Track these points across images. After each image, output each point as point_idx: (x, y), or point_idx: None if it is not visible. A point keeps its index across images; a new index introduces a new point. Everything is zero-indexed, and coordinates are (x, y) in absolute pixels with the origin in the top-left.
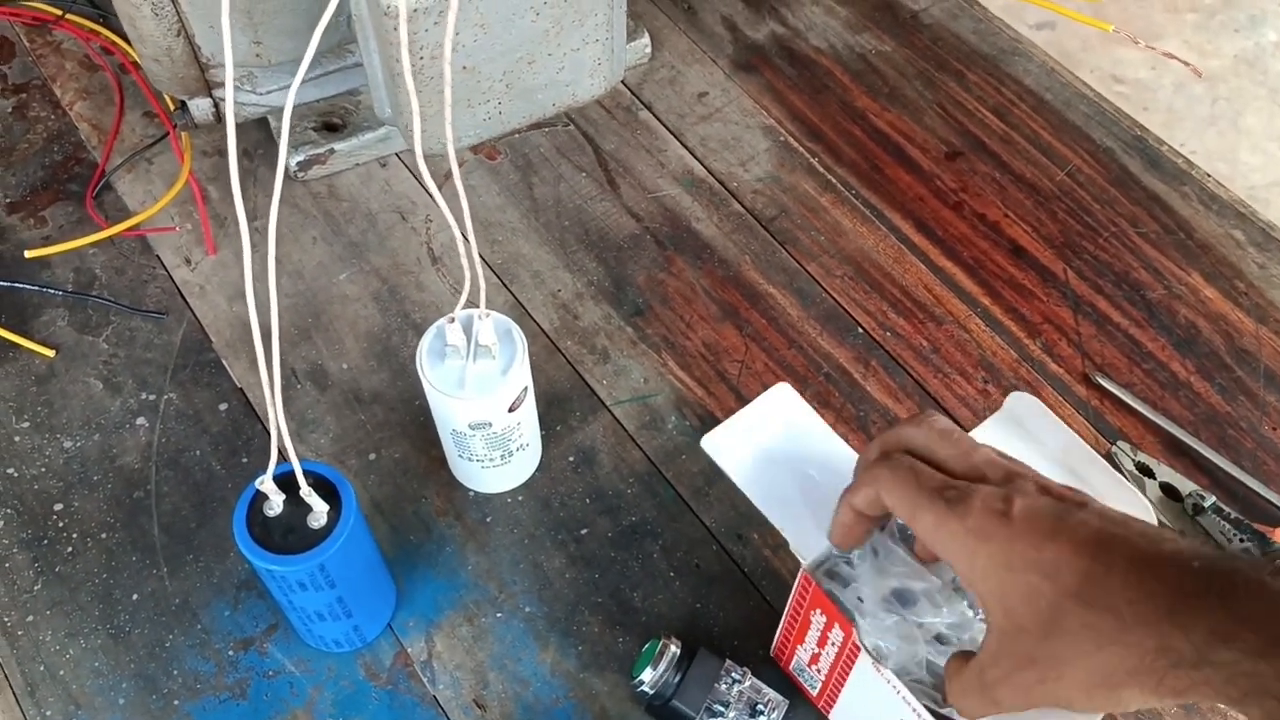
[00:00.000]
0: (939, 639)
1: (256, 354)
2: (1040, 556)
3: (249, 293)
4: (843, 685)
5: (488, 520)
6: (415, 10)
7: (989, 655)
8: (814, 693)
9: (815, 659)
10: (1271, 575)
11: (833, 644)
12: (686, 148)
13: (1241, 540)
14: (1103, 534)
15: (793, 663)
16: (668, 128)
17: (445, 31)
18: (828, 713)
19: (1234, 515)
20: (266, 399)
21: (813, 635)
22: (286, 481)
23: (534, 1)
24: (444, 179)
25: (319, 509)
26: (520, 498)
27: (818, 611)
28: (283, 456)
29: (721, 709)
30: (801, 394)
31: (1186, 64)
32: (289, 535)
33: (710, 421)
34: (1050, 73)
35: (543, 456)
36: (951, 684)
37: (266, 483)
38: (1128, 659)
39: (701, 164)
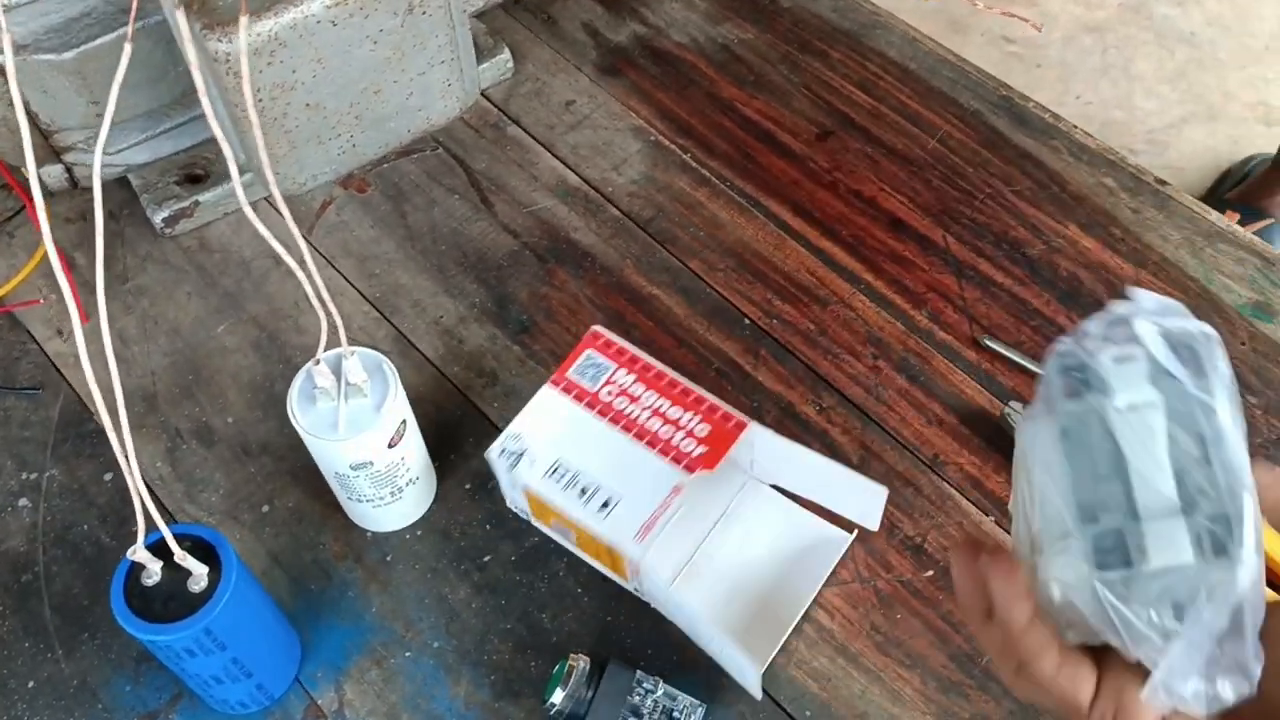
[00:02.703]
0: None
1: (106, 428)
2: None
3: (86, 368)
4: None
5: (388, 559)
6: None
7: None
8: None
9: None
10: None
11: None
12: (558, 158)
13: None
14: None
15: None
16: (538, 140)
17: (243, 79)
18: None
19: None
20: (123, 466)
21: None
22: (165, 548)
23: (370, 30)
24: (316, 215)
25: (198, 572)
26: (419, 532)
27: None
28: (152, 524)
29: None
30: None
31: (1025, 20)
32: (170, 603)
33: None
34: (912, 42)
35: (438, 487)
36: None
37: (139, 552)
38: None
39: (574, 173)
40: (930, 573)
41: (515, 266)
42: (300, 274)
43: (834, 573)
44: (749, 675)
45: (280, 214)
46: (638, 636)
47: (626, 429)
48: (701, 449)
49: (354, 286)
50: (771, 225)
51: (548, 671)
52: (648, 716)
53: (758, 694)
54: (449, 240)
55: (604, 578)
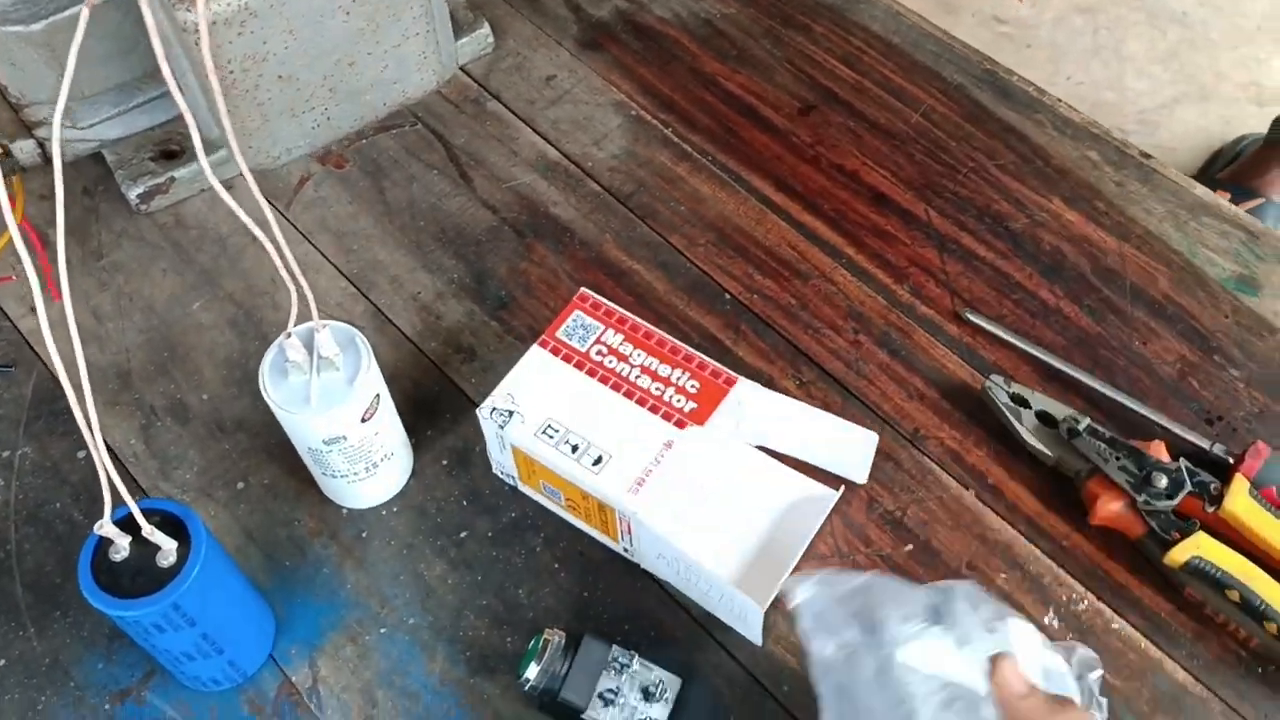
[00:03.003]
0: None
1: (70, 401)
2: None
3: (49, 343)
4: None
5: (363, 536)
6: (214, 23)
7: None
8: None
9: None
10: None
11: None
12: (538, 133)
13: (1118, 459)
14: None
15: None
16: (518, 115)
17: (203, 45)
18: None
19: (1109, 435)
20: (86, 438)
21: None
22: (134, 523)
23: (342, 1)
24: (294, 191)
25: (166, 546)
26: (395, 508)
27: None
28: (120, 498)
29: (613, 695)
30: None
31: None
32: (138, 578)
33: None
34: (895, 16)
35: (415, 463)
36: None
37: (106, 527)
38: None
39: (555, 148)
40: (910, 547)
41: (494, 242)
42: (268, 245)
43: (813, 546)
44: (751, 616)
45: (262, 193)
46: (614, 611)
47: (616, 388)
48: (692, 405)
49: (331, 262)
50: (753, 200)
51: (524, 647)
52: (623, 691)
53: (758, 638)
54: (427, 216)
55: (581, 553)
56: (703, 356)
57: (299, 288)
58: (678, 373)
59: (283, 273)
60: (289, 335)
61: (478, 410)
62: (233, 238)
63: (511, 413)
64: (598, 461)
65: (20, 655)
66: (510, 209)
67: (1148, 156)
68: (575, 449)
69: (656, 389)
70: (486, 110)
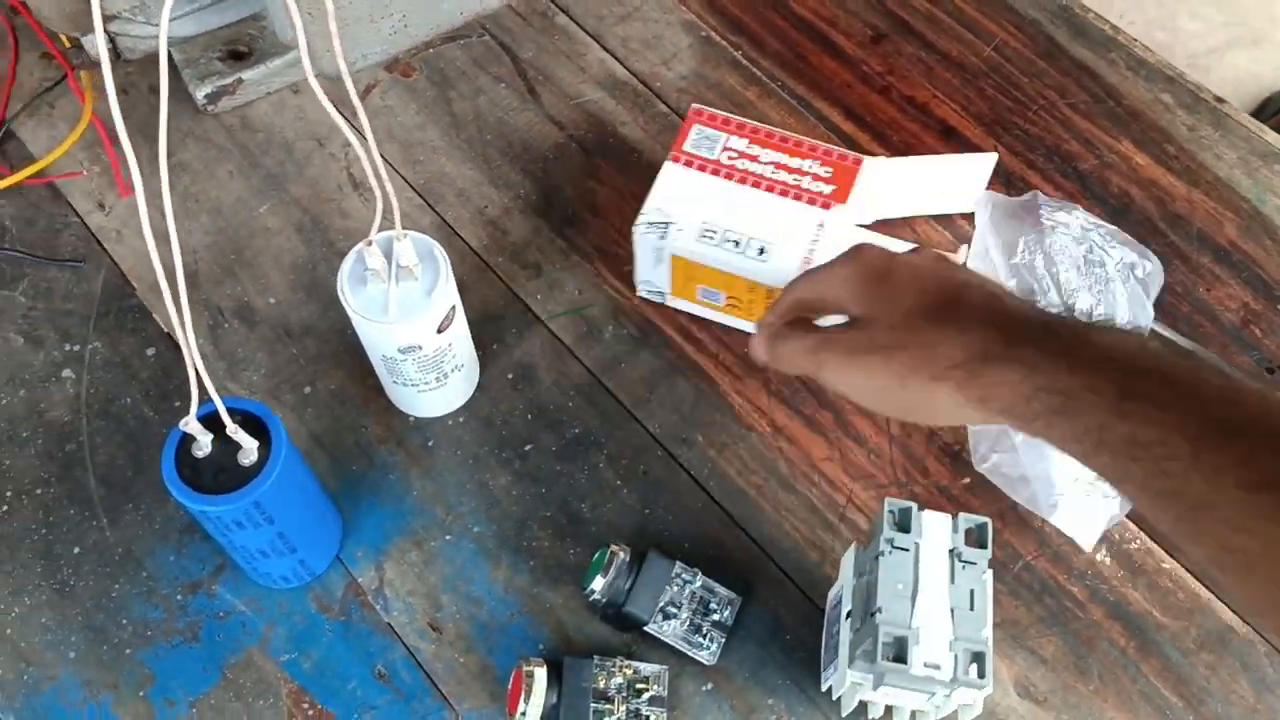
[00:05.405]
0: None
1: (165, 296)
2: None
3: (148, 233)
4: None
5: (430, 444)
6: None
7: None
8: None
9: None
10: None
11: None
12: (607, 50)
13: None
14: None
15: None
16: (586, 31)
17: None
18: None
19: None
20: (180, 338)
21: None
22: (215, 421)
23: None
24: (360, 98)
25: (248, 446)
26: (461, 419)
27: None
28: (205, 395)
29: (674, 610)
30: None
31: None
32: (220, 475)
33: (649, 329)
34: None
35: (481, 376)
36: (787, 341)
37: (191, 424)
38: (954, 354)
39: (623, 65)
40: (967, 480)
41: (561, 159)
42: (359, 149)
43: (871, 475)
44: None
45: (345, 85)
46: (675, 530)
47: (756, 185)
48: (830, 187)
49: (398, 173)
50: (821, 128)
51: (586, 560)
52: (685, 606)
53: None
54: (494, 130)
55: (644, 471)
56: (825, 144)
57: (385, 194)
58: (808, 162)
59: (370, 178)
60: (370, 243)
61: (634, 228)
62: (299, 143)
63: (668, 224)
64: (762, 251)
65: (94, 544)
66: (578, 126)
67: (1221, 101)
68: (737, 244)
69: (793, 180)
70: (555, 24)
